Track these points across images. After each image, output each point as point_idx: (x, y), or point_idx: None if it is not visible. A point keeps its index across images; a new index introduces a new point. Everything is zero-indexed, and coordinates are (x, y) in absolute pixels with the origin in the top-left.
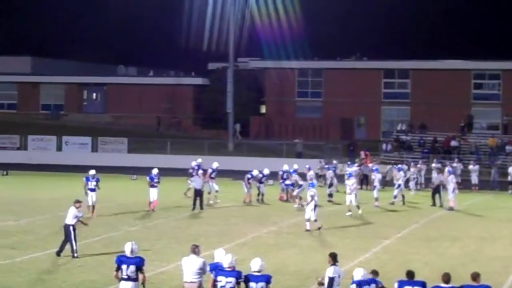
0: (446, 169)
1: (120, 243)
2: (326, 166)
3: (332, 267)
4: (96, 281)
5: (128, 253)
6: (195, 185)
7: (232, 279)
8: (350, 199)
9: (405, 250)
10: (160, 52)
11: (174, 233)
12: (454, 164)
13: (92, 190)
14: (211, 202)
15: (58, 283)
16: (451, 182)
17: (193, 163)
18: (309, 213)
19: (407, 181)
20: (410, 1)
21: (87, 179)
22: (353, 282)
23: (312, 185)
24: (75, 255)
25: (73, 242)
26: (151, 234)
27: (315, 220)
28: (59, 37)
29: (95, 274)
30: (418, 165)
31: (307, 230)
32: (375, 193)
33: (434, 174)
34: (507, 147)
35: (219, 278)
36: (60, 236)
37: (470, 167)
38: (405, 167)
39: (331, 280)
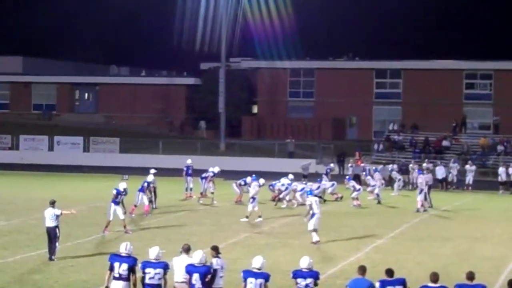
0: (416, 170)
1: (112, 243)
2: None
3: (215, 259)
4: (88, 281)
5: (122, 252)
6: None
7: (160, 270)
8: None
9: (397, 250)
10: (152, 52)
11: (166, 233)
12: (451, 164)
13: (117, 203)
14: (201, 202)
15: (49, 283)
16: (422, 182)
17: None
18: (312, 223)
19: (391, 181)
20: (402, 1)
21: (118, 192)
22: (292, 272)
23: (310, 193)
24: (53, 258)
25: (56, 244)
26: (143, 234)
27: (314, 230)
28: (51, 37)
29: (87, 274)
30: (411, 165)
31: (316, 242)
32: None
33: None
34: (498, 147)
35: (147, 270)
36: None
37: (467, 167)
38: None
39: (215, 271)
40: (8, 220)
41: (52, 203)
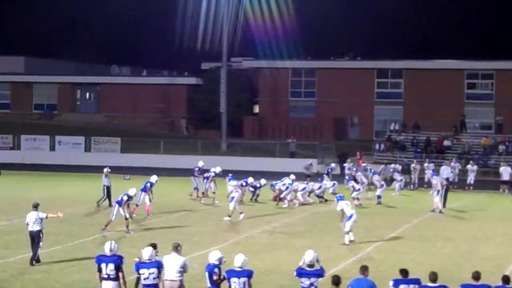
0: (430, 171)
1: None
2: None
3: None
4: (89, 281)
5: (107, 252)
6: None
7: (154, 270)
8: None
9: (399, 249)
10: (153, 51)
11: (167, 233)
12: (453, 164)
13: (121, 205)
14: (202, 201)
15: (51, 283)
16: (437, 183)
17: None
18: (349, 224)
19: (391, 181)
20: (404, 1)
21: (129, 198)
22: (297, 270)
23: (340, 198)
24: (34, 262)
25: (39, 248)
26: (144, 234)
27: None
28: (52, 37)
29: (88, 274)
30: (413, 165)
31: (350, 242)
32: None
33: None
34: (500, 147)
35: (141, 271)
36: (52, 236)
37: (469, 166)
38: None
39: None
40: (9, 220)
41: (35, 206)
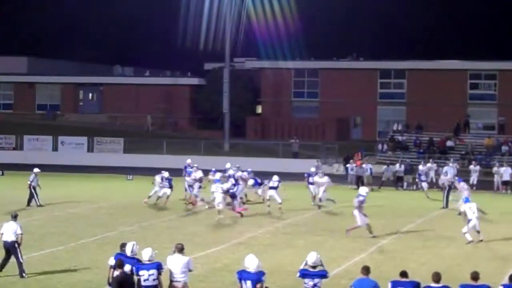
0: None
1: (116, 243)
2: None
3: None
4: (91, 281)
5: (128, 253)
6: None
7: (153, 271)
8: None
9: (402, 250)
10: (156, 52)
11: (170, 233)
12: (450, 164)
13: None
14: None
15: (53, 283)
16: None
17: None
18: (467, 226)
19: (396, 182)
20: (407, 1)
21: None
22: (300, 271)
23: (467, 200)
24: (24, 275)
25: (21, 260)
26: (147, 234)
27: (478, 232)
28: (55, 37)
29: (91, 274)
30: (420, 166)
31: (470, 242)
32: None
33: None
34: (503, 147)
35: (141, 272)
36: (55, 236)
37: (471, 167)
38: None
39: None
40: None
41: (15, 217)
